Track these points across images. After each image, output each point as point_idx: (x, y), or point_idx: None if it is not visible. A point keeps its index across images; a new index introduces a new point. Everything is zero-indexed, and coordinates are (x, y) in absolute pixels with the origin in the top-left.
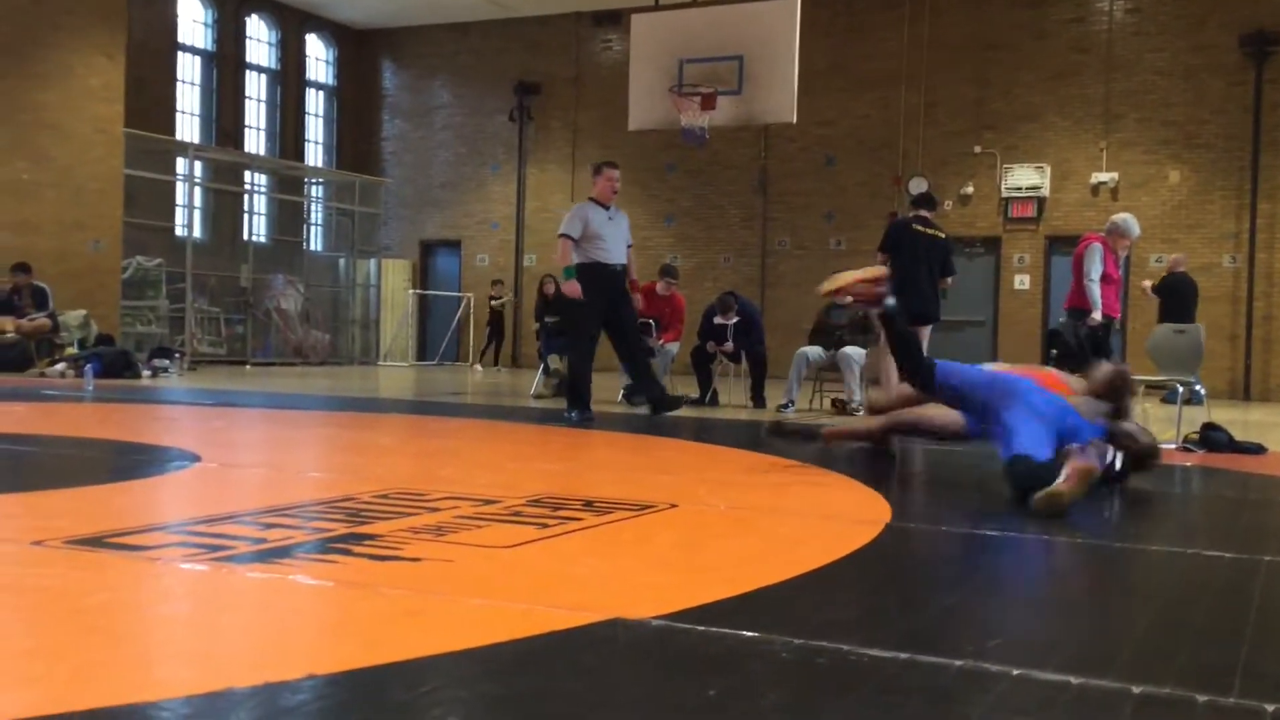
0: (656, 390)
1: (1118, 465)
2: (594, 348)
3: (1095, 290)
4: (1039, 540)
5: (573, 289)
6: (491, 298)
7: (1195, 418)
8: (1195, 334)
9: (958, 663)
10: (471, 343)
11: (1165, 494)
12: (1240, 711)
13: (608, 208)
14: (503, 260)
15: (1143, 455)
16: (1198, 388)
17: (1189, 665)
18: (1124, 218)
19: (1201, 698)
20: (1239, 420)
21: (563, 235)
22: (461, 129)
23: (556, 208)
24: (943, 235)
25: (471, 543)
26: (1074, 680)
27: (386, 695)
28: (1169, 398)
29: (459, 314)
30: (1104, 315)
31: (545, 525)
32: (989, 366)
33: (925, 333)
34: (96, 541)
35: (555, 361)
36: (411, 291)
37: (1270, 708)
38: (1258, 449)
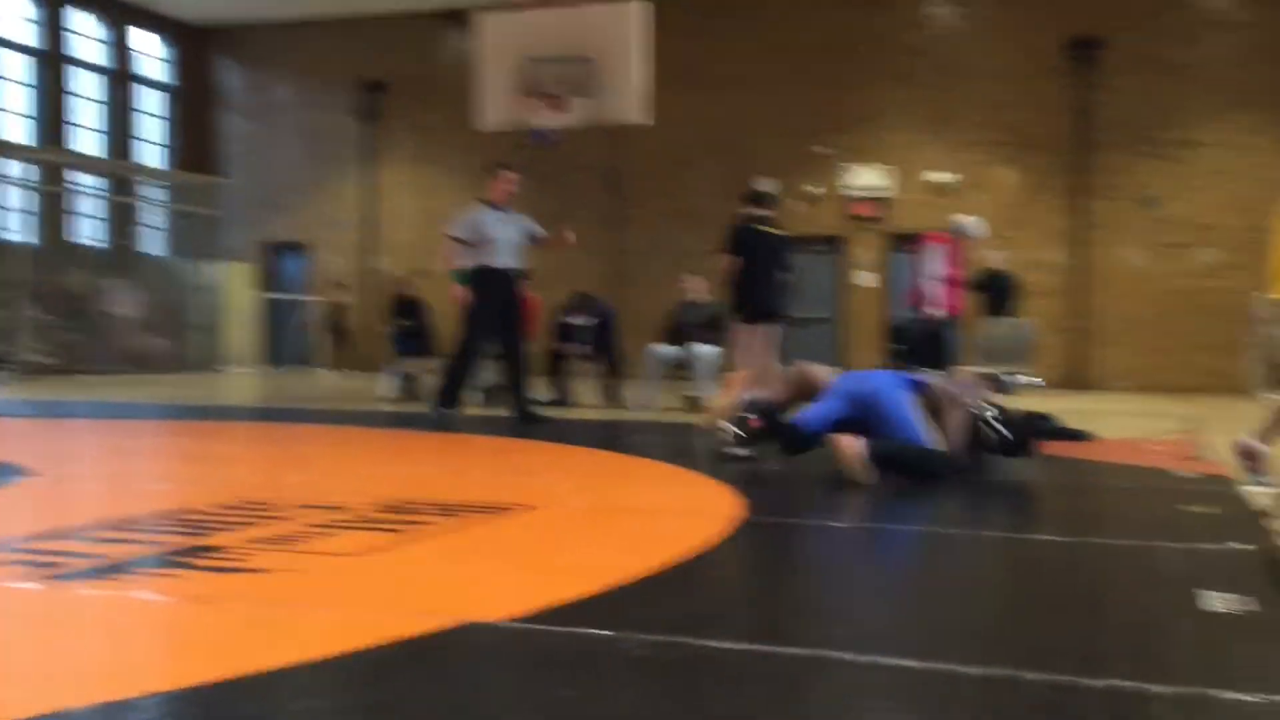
0: (527, 403)
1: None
2: (477, 349)
3: (933, 289)
4: (883, 530)
5: (457, 294)
6: (333, 301)
7: (1025, 408)
8: (1025, 329)
9: (804, 652)
10: (320, 346)
11: (999, 482)
12: (1070, 688)
13: (503, 210)
14: (351, 262)
15: (1011, 445)
16: (1022, 379)
17: (1022, 646)
18: (966, 219)
19: (1033, 676)
20: (1071, 409)
21: (450, 236)
22: (306, 128)
23: (407, 208)
24: (783, 233)
25: (320, 551)
26: (915, 664)
27: (232, 710)
28: (1001, 389)
29: (307, 318)
30: (945, 313)
31: (398, 531)
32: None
33: (776, 330)
34: None
35: (407, 365)
36: (256, 295)
37: (1098, 684)
38: (1086, 435)
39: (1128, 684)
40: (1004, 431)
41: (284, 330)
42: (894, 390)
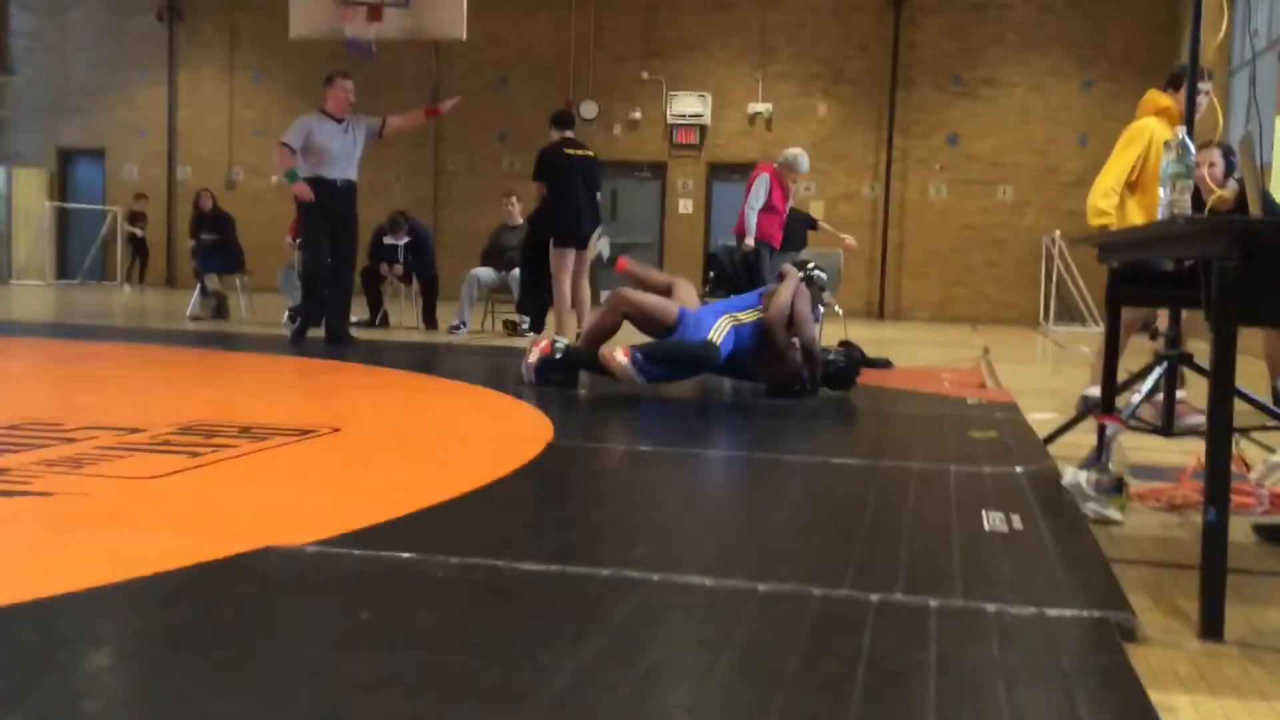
0: (339, 321)
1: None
2: (323, 262)
3: (752, 218)
4: (686, 454)
5: (301, 190)
6: (134, 214)
7: (832, 335)
8: (834, 259)
9: (605, 572)
10: (119, 260)
11: (803, 407)
12: (850, 602)
13: (340, 120)
14: (154, 171)
15: (839, 374)
16: (836, 308)
17: (809, 563)
18: (795, 152)
19: (817, 591)
20: (873, 338)
21: (281, 144)
22: (104, 28)
23: (212, 116)
24: (592, 154)
25: (112, 474)
26: (708, 582)
27: (15, 636)
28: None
29: (104, 229)
30: (762, 242)
31: (197, 454)
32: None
33: (570, 254)
34: None
35: (213, 282)
36: (49, 204)
37: (875, 598)
38: (886, 364)
39: (907, 598)
40: (839, 360)
41: (81, 241)
42: (713, 307)
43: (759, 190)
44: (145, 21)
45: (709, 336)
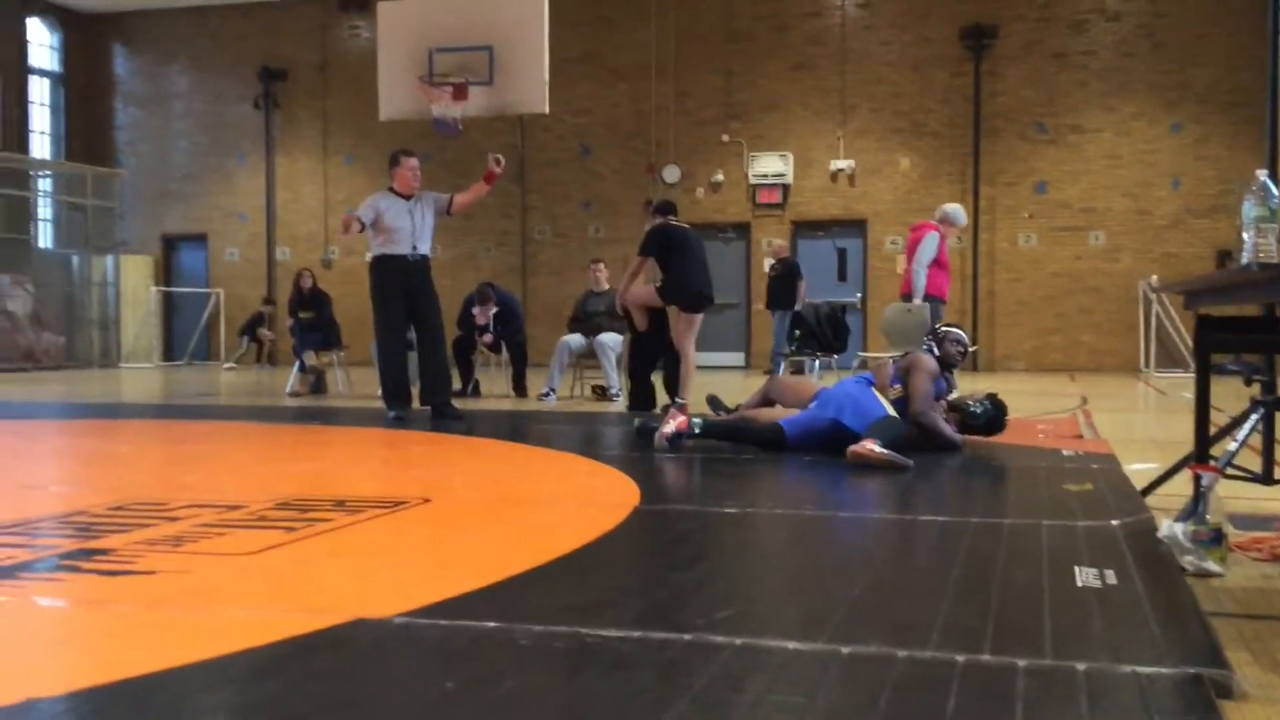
0: (443, 397)
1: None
2: (399, 340)
3: (921, 275)
4: (771, 515)
5: (347, 220)
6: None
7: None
8: (921, 312)
9: (687, 636)
10: (223, 340)
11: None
12: (935, 663)
13: (408, 198)
14: (253, 254)
15: (989, 422)
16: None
17: (894, 624)
18: (953, 207)
19: (902, 653)
20: (966, 390)
21: (353, 215)
22: (203, 117)
23: (308, 198)
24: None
25: (211, 551)
26: (791, 645)
27: (116, 714)
28: None
29: (208, 311)
30: (933, 297)
31: (292, 529)
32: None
33: (698, 318)
34: None
35: (310, 358)
36: (154, 289)
37: (961, 658)
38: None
39: (994, 659)
40: (982, 408)
41: (186, 324)
42: (855, 385)
43: (929, 247)
44: (243, 110)
45: (890, 412)
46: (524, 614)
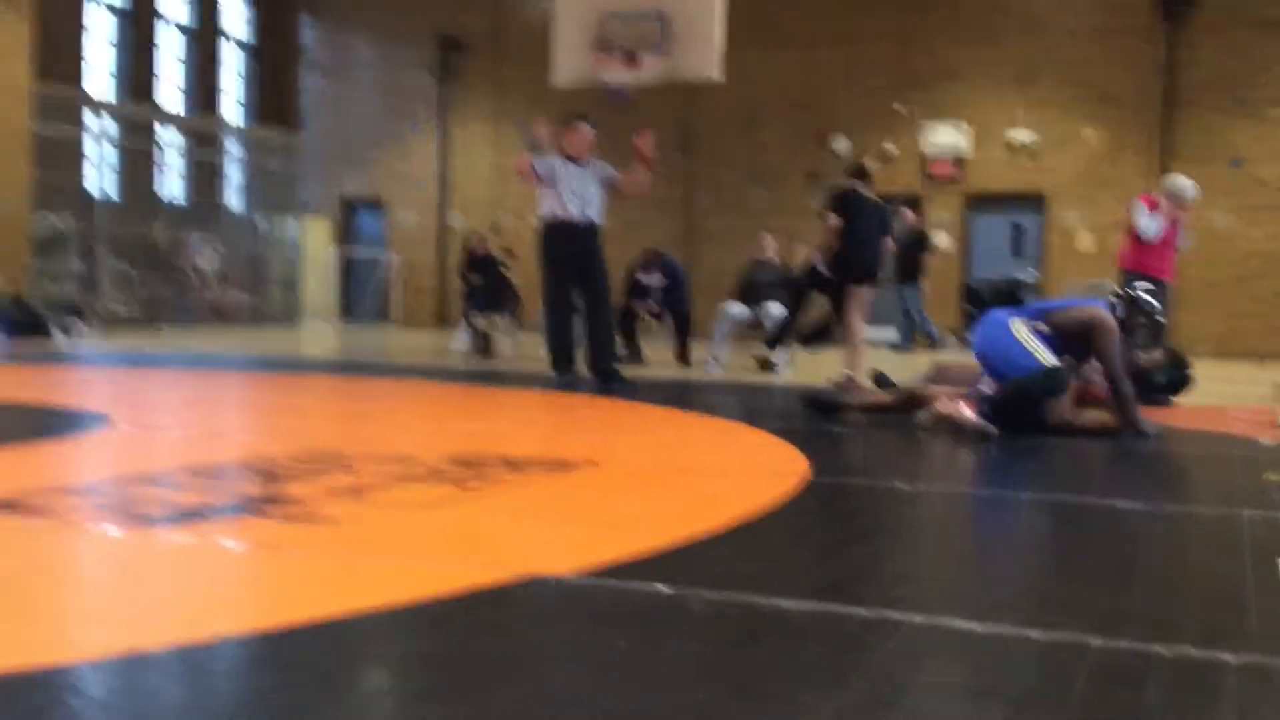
0: (607, 361)
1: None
2: (566, 305)
3: (1153, 252)
4: (950, 494)
5: (521, 161)
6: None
7: None
8: (1104, 289)
9: (864, 611)
10: (398, 303)
11: (1079, 446)
12: (1133, 654)
13: (581, 163)
14: (427, 219)
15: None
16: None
17: (1090, 612)
18: (1178, 179)
19: (1095, 641)
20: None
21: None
22: (383, 85)
23: (481, 164)
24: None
25: (389, 503)
26: (976, 626)
27: (301, 655)
28: None
29: (383, 273)
30: (1129, 272)
31: (465, 485)
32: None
33: (868, 292)
34: (6, 506)
35: (480, 321)
36: (333, 250)
37: (1161, 650)
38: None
39: (1197, 652)
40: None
41: (362, 285)
42: (995, 327)
43: (1134, 216)
44: (420, 77)
45: (1039, 362)
46: (696, 580)
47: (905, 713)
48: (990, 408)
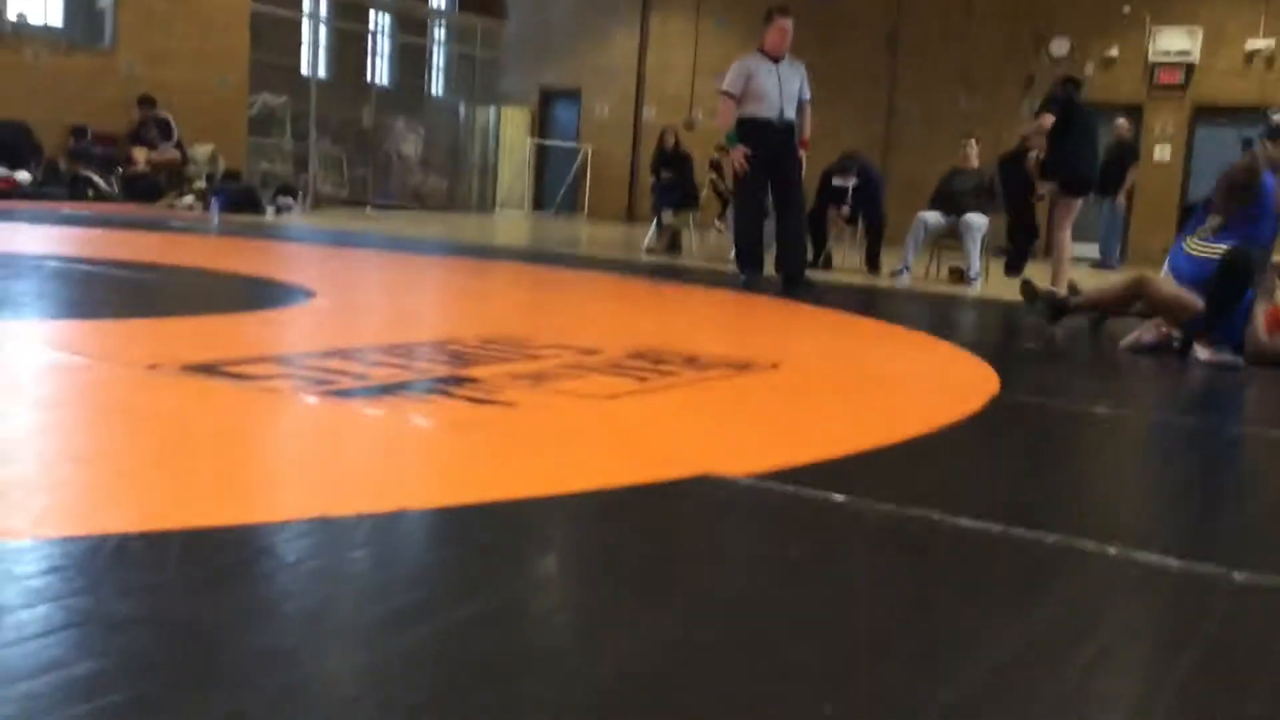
0: (796, 266)
1: None
2: (757, 205)
3: None
4: (1151, 421)
5: (737, 156)
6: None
7: None
8: None
9: (1052, 538)
10: (588, 195)
11: None
12: None
13: (776, 60)
14: (621, 111)
15: None
16: None
17: None
18: None
19: None
20: None
21: (723, 93)
22: None
23: (678, 59)
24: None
25: (568, 391)
26: (1174, 563)
27: (473, 534)
28: None
29: (576, 165)
30: None
31: (644, 379)
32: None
33: (1077, 203)
34: (210, 369)
35: (668, 217)
36: (530, 140)
37: None
38: None
39: None
40: None
41: (556, 176)
42: (1176, 255)
43: None
44: None
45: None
46: (873, 492)
47: (1092, 650)
48: (1194, 332)
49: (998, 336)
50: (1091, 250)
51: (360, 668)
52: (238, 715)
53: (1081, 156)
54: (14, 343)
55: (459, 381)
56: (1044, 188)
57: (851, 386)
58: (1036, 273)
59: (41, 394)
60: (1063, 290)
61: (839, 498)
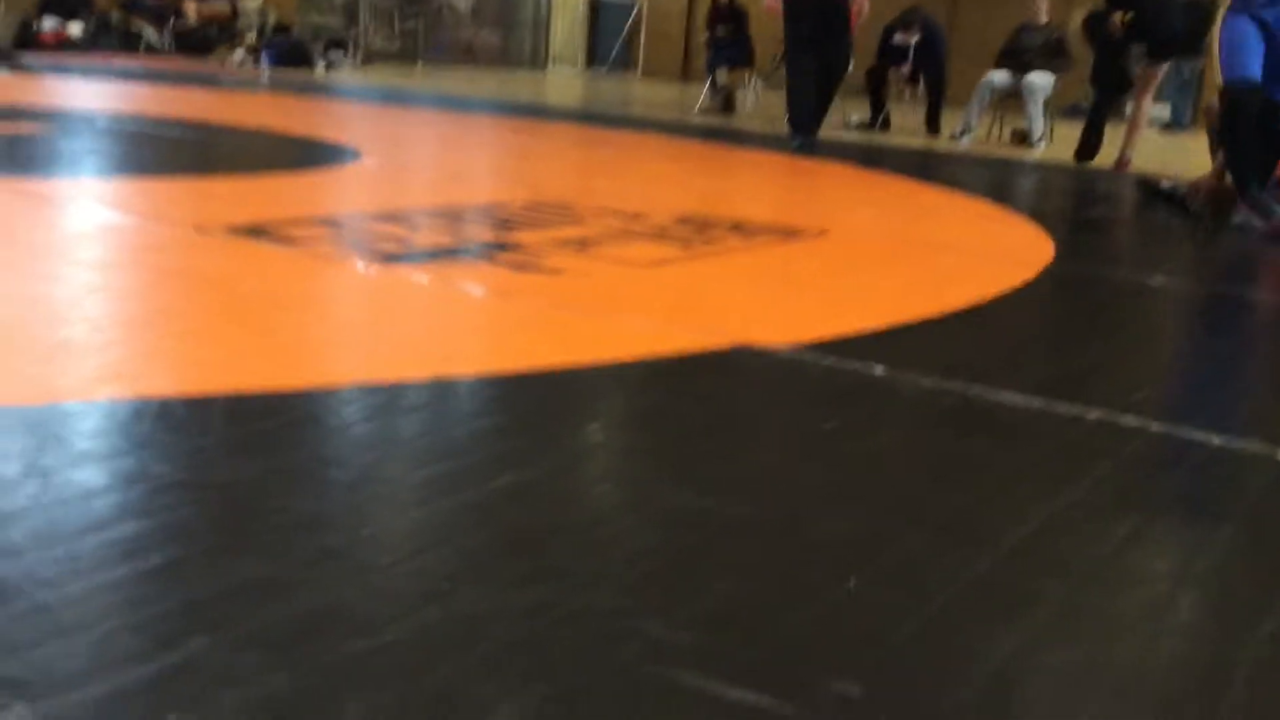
0: (814, 125)
1: None
2: (806, 66)
3: None
4: (1208, 293)
5: (772, 6)
6: None
7: None
8: None
9: (1095, 413)
10: (642, 52)
11: None
12: None
13: None
14: None
15: None
16: None
17: None
18: None
19: None
20: None
21: None
22: None
23: None
24: None
25: (612, 258)
26: (1215, 440)
27: (510, 401)
28: None
29: (630, 21)
30: None
31: (689, 245)
32: None
33: (1162, 69)
34: (256, 231)
35: (722, 76)
36: None
37: None
38: None
39: None
40: None
41: (608, 32)
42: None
43: None
44: None
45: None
46: (913, 364)
47: (1129, 524)
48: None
49: (1057, 203)
50: (1163, 111)
51: (395, 534)
52: (272, 580)
53: (1168, 14)
54: (65, 201)
55: (503, 247)
56: (1130, 51)
57: (901, 255)
58: (1109, 138)
59: (90, 255)
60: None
61: (879, 369)
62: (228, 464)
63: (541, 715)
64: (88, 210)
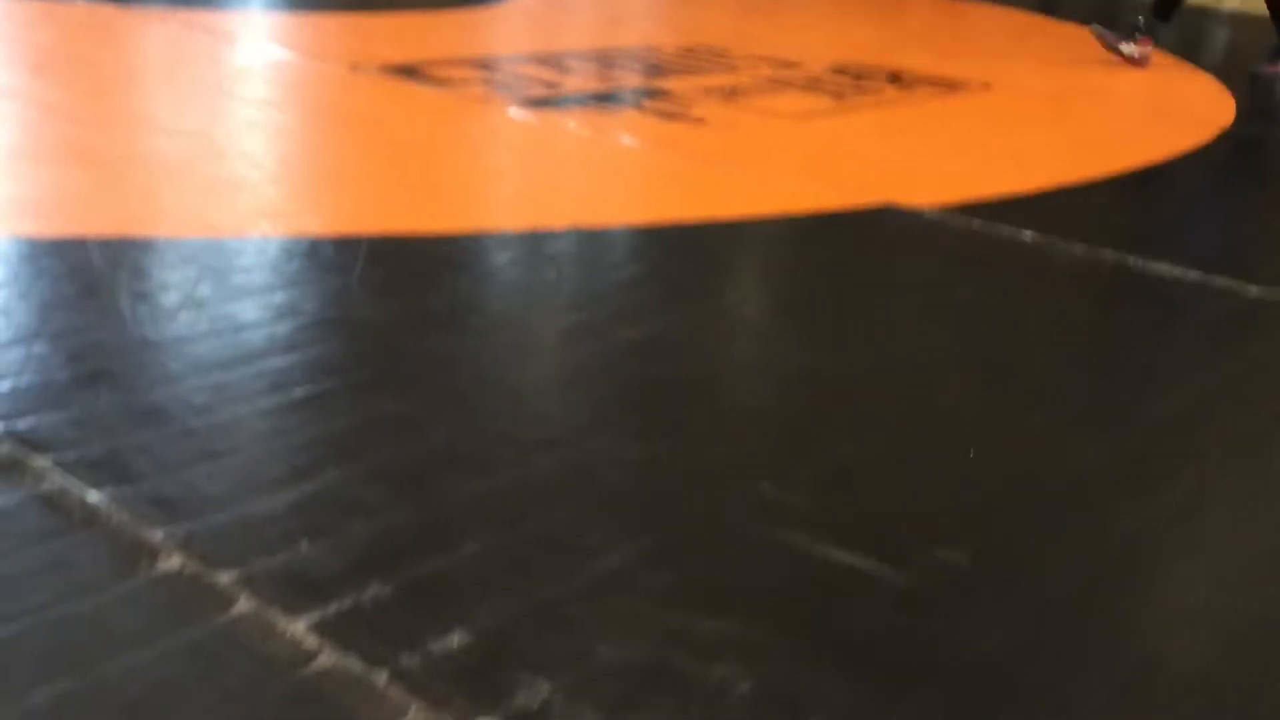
0: None
1: None
2: None
3: None
4: None
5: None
6: None
7: None
8: None
9: (1254, 289)
10: None
11: None
12: None
13: None
14: None
15: None
16: None
17: None
18: None
19: None
20: None
21: None
22: None
23: None
24: None
25: (761, 109)
26: None
27: (646, 253)
28: None
29: None
30: None
31: (842, 97)
32: None
33: None
34: (410, 72)
35: None
36: None
37: None
38: None
39: None
40: None
41: None
42: None
43: None
44: None
45: None
46: (1066, 229)
47: (1269, 413)
48: None
49: (1248, 59)
50: None
51: (520, 382)
52: (405, 417)
53: None
54: (229, 35)
55: (652, 94)
56: None
57: (1067, 112)
58: None
59: (250, 91)
60: None
61: (1027, 235)
62: (372, 304)
63: (645, 564)
64: (250, 45)
